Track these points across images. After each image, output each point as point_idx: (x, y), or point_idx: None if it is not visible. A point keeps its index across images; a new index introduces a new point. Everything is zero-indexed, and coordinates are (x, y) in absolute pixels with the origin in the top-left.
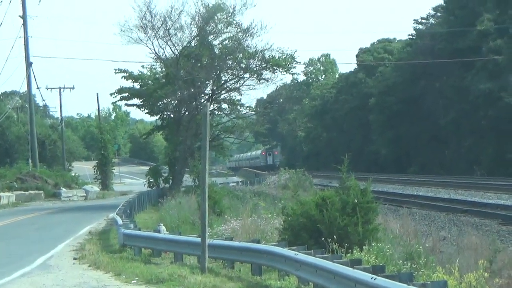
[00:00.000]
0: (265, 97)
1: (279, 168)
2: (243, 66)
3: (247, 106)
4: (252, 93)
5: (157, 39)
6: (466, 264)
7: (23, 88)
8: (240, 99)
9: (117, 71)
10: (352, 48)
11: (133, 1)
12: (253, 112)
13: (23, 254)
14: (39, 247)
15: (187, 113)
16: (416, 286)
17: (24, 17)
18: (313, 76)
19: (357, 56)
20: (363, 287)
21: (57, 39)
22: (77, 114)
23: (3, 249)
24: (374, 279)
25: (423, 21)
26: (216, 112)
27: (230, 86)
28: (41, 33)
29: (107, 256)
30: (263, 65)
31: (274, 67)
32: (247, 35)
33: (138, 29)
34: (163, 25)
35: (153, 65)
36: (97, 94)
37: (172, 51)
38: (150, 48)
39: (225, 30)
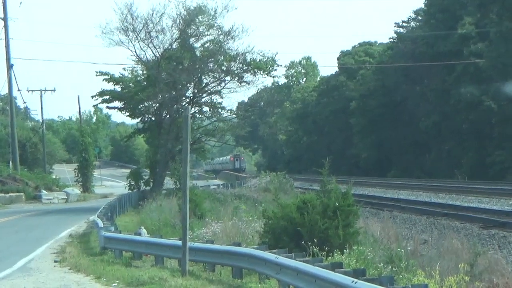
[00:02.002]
0: (246, 100)
1: (245, 170)
2: (224, 68)
3: (228, 109)
4: (233, 96)
5: (138, 42)
6: (447, 268)
7: (4, 91)
8: (221, 102)
9: (98, 73)
10: (334, 51)
11: (114, 3)
12: (234, 115)
13: (3, 257)
14: (20, 249)
15: (168, 116)
16: None
17: (5, 18)
18: (294, 79)
19: (338, 59)
20: None
21: (38, 41)
22: (58, 116)
23: None
24: (355, 283)
25: (404, 24)
26: (197, 115)
27: (211, 89)
28: (22, 35)
29: (88, 259)
30: (244, 68)
31: (255, 70)
32: (229, 37)
33: (119, 32)
34: (145, 27)
35: (135, 67)
36: (78, 96)
37: (154, 54)
38: (131, 51)
39: (206, 33)
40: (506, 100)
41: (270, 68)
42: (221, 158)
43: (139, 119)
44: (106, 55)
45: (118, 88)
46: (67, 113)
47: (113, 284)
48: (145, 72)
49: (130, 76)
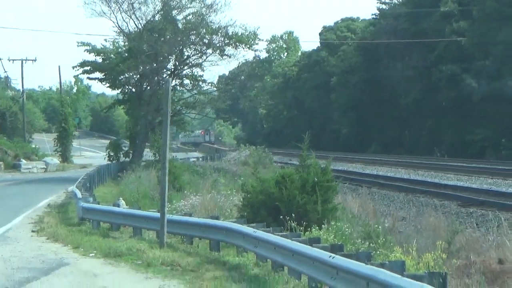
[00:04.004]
0: (227, 73)
1: (214, 143)
2: (206, 41)
3: (209, 82)
4: (214, 69)
5: (120, 13)
6: (424, 245)
7: None
8: (202, 75)
9: (79, 44)
10: (316, 26)
11: None
12: (215, 88)
13: None
14: None
15: (148, 87)
16: (374, 265)
17: None
18: (275, 53)
19: (320, 34)
20: (321, 265)
21: (20, 10)
22: (39, 86)
23: None
24: (332, 258)
25: (387, 1)
26: (178, 88)
27: (193, 62)
28: (3, 3)
29: (66, 229)
30: (226, 41)
31: (237, 43)
32: (211, 10)
33: (102, 2)
34: None
35: (116, 39)
36: (59, 67)
37: (136, 25)
38: (113, 22)
39: (189, 5)
40: (487, 79)
41: (252, 42)
42: (193, 132)
43: (120, 90)
44: (88, 26)
45: (99, 59)
46: (48, 83)
47: (91, 255)
48: (126, 43)
49: (111, 47)
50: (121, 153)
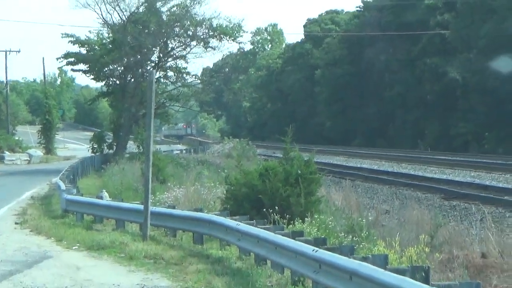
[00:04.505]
0: (211, 66)
1: (196, 136)
2: (190, 33)
3: (193, 75)
4: (198, 62)
5: (105, 4)
6: (407, 238)
7: None
8: (186, 67)
9: (64, 35)
10: (300, 18)
11: None
12: (199, 81)
13: None
14: None
15: (132, 80)
16: (357, 259)
17: None
18: (259, 45)
19: (304, 26)
20: (304, 259)
21: (3, 1)
22: (23, 78)
23: None
24: (316, 251)
25: None
26: (162, 80)
27: (177, 54)
28: None
29: (49, 222)
30: (210, 33)
31: (221, 35)
32: (195, 2)
33: None
34: None
35: (101, 30)
36: (43, 58)
37: (120, 17)
38: (97, 13)
39: None
40: (470, 72)
41: (236, 34)
42: (176, 126)
43: (104, 82)
44: (72, 17)
45: (83, 50)
46: (32, 74)
47: (74, 247)
48: (111, 35)
49: (95, 39)
50: (104, 145)
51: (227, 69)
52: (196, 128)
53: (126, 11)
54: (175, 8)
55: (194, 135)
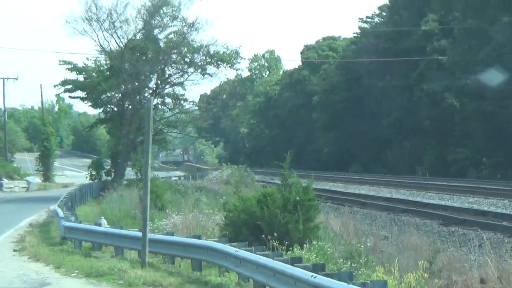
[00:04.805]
0: (208, 92)
1: (192, 162)
2: (188, 60)
3: (191, 101)
4: (196, 88)
5: (102, 32)
6: (406, 264)
7: None
8: (184, 93)
9: (61, 62)
10: (297, 45)
11: None
12: (197, 107)
13: None
14: None
15: (130, 107)
16: (356, 285)
17: None
18: (257, 72)
19: (301, 53)
20: (303, 285)
21: (1, 28)
22: (21, 105)
23: None
24: (314, 277)
25: (369, 20)
26: (160, 107)
27: (174, 81)
28: None
29: (48, 249)
30: (208, 60)
31: (219, 62)
32: (192, 29)
33: (83, 21)
34: (109, 17)
35: (98, 57)
36: (40, 85)
37: (117, 44)
38: (95, 40)
39: (170, 24)
40: (468, 98)
41: (234, 61)
42: (173, 152)
43: (102, 109)
44: (70, 44)
45: (81, 78)
46: (30, 102)
47: (72, 274)
48: (108, 62)
49: (93, 66)
50: (103, 172)
51: (224, 96)
52: (194, 154)
53: (123, 38)
54: (172, 35)
55: (191, 161)
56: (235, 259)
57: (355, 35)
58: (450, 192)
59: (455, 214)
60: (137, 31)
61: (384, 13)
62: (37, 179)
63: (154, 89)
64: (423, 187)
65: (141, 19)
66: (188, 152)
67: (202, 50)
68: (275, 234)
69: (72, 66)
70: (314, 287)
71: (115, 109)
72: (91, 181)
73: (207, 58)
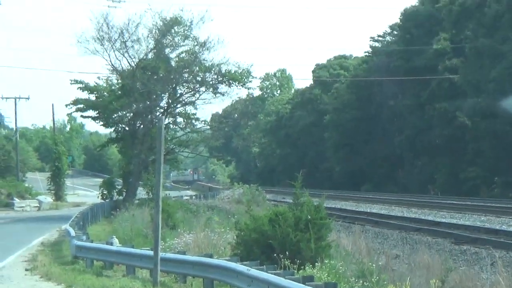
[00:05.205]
0: (220, 111)
1: (202, 181)
2: (199, 79)
3: (202, 120)
4: (207, 107)
5: (113, 51)
6: (418, 283)
7: None
8: (196, 113)
9: (73, 82)
10: (309, 63)
11: (91, 12)
12: (208, 127)
13: None
14: None
15: (142, 126)
16: None
17: None
18: (269, 91)
19: (313, 72)
20: None
21: (13, 48)
22: (32, 124)
23: None
24: None
25: (380, 38)
26: (171, 126)
27: (186, 100)
28: None
29: (59, 268)
30: (219, 79)
31: (230, 81)
32: (204, 48)
33: (95, 41)
34: (120, 37)
35: (109, 77)
36: (52, 105)
37: (129, 63)
38: (106, 60)
39: (182, 43)
40: (479, 116)
41: (245, 80)
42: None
43: (113, 128)
44: (81, 63)
45: (92, 97)
46: (41, 121)
47: None
48: (120, 81)
49: (105, 85)
50: (114, 191)
51: (236, 115)
52: (205, 173)
53: (135, 57)
54: (184, 54)
55: (201, 180)
56: (247, 278)
57: (367, 54)
58: (462, 211)
59: (467, 232)
60: (149, 50)
61: (395, 32)
62: (48, 199)
63: (166, 108)
64: (435, 205)
65: (152, 39)
66: (198, 171)
67: (213, 69)
68: (287, 253)
69: (83, 86)
70: None
71: (127, 128)
72: (102, 201)
73: (219, 77)
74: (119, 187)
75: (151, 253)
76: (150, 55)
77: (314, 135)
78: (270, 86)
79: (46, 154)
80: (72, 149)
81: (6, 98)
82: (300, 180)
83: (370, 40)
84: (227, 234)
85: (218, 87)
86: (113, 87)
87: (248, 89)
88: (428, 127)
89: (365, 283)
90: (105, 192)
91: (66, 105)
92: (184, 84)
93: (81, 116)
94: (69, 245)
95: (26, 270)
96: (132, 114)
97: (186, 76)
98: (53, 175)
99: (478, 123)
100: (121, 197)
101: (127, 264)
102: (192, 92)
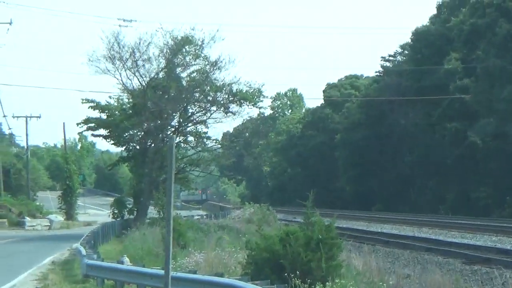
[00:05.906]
0: (231, 130)
1: (210, 200)
2: (210, 98)
3: (213, 139)
4: (218, 126)
5: (125, 70)
6: None
7: None
8: (207, 132)
9: (84, 101)
10: (320, 83)
11: (102, 31)
12: (219, 146)
13: None
14: (1, 276)
15: (153, 145)
16: None
17: None
18: (279, 110)
19: (324, 91)
20: None
21: (24, 67)
22: (43, 143)
23: None
24: None
25: (391, 58)
26: (182, 145)
27: (197, 119)
28: (8, 61)
29: (70, 287)
30: (230, 98)
31: (241, 100)
32: (215, 68)
33: (106, 60)
34: (131, 56)
35: (121, 95)
36: (63, 123)
37: (140, 82)
38: (117, 79)
39: (193, 63)
40: (491, 136)
41: (256, 99)
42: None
43: (124, 147)
44: (92, 82)
45: (103, 116)
46: (52, 140)
47: None
48: (131, 100)
49: (116, 104)
50: (125, 210)
51: (247, 134)
52: (216, 193)
53: (146, 76)
54: (195, 74)
55: (211, 200)
56: None
57: (377, 73)
58: (473, 231)
59: (478, 252)
60: (160, 69)
61: (406, 52)
62: (59, 218)
63: (177, 127)
64: (445, 225)
65: (163, 58)
66: (207, 191)
67: (224, 88)
68: (298, 272)
69: (95, 104)
70: None
71: (138, 147)
72: (113, 220)
73: (230, 96)
74: (130, 206)
75: (162, 272)
76: (161, 74)
77: (325, 155)
78: (281, 105)
79: (57, 172)
80: (83, 167)
81: (18, 116)
82: (311, 200)
83: (381, 60)
84: (238, 254)
85: (229, 107)
86: (124, 106)
87: (259, 109)
88: (439, 147)
89: None
90: (116, 211)
91: (77, 124)
92: (195, 103)
93: (92, 134)
94: (80, 264)
95: None
96: (143, 133)
97: (197, 95)
98: (64, 194)
99: (489, 143)
100: (132, 216)
101: (137, 283)
102: (203, 111)
